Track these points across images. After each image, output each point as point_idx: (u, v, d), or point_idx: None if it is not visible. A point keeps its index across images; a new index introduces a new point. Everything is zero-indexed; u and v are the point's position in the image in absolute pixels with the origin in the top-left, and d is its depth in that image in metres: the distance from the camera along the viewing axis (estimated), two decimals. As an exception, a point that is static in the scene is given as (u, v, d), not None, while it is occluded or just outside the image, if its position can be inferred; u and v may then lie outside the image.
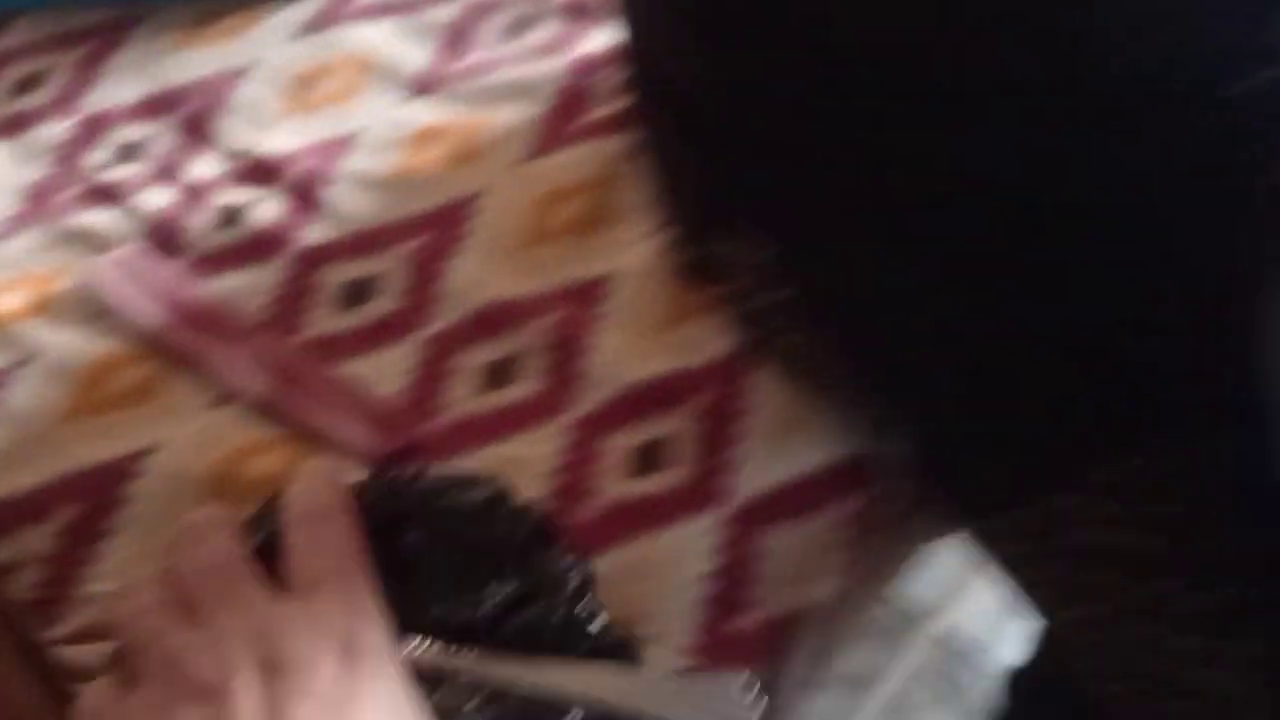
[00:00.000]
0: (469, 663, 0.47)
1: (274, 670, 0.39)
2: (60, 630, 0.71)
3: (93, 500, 0.76)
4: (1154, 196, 0.62)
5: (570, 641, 0.49)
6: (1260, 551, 0.62)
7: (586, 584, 0.51)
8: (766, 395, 0.80)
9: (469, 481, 0.52)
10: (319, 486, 0.45)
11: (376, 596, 0.44)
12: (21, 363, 0.82)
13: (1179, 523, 0.63)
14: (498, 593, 0.48)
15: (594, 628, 0.50)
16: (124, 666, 0.42)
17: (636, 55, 0.81)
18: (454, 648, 0.47)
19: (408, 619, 0.46)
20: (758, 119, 0.70)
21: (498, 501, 0.51)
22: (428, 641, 0.47)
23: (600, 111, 0.94)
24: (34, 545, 0.74)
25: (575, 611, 0.50)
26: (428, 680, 0.45)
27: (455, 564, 0.49)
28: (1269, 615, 0.64)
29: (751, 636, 0.74)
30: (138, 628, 0.42)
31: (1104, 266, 0.63)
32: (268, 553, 0.46)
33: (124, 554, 0.74)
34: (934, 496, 0.76)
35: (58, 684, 0.64)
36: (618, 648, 0.51)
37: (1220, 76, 0.58)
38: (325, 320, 0.84)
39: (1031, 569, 0.70)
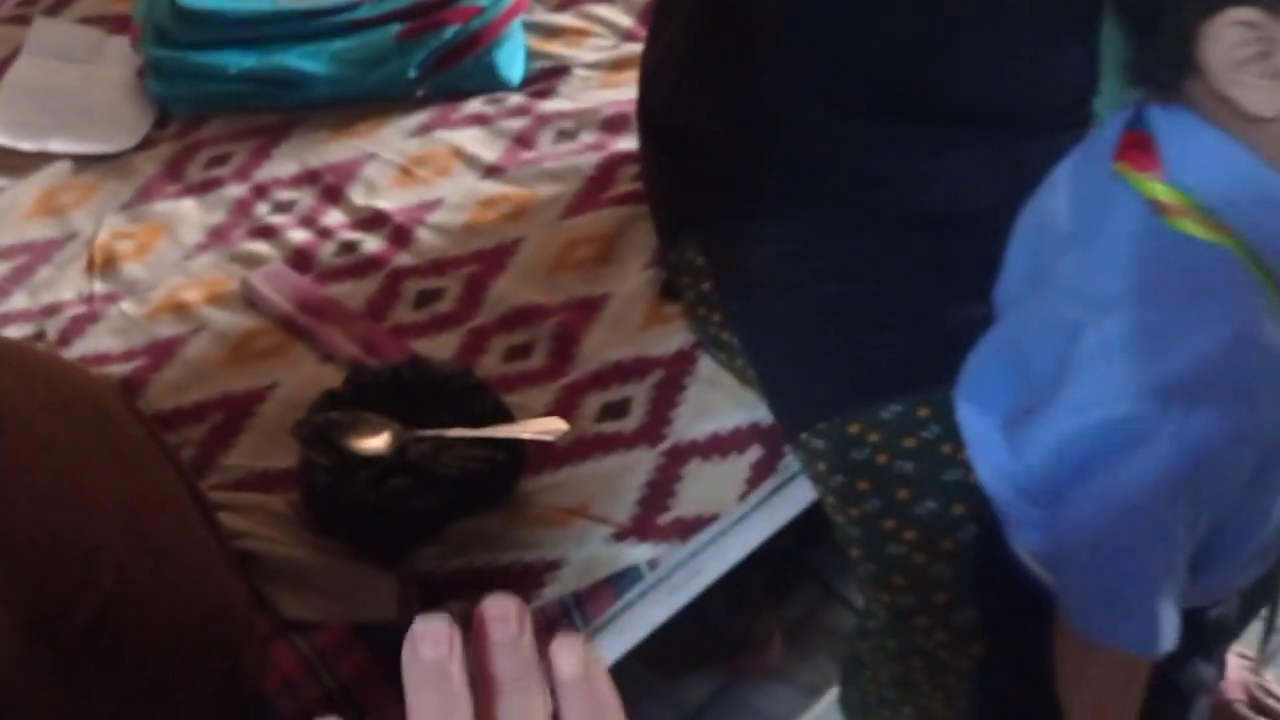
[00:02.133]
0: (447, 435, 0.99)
1: None
2: (207, 482, 1.06)
3: (233, 412, 1.11)
4: None
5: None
6: None
7: (498, 408, 1.04)
8: (701, 376, 1.12)
9: (449, 368, 1.06)
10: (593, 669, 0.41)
11: None
12: (196, 331, 1.20)
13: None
14: (455, 417, 1.01)
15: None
16: None
17: (643, 102, 1.17)
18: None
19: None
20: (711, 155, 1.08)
21: (460, 374, 1.04)
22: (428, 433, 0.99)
23: (619, 189, 1.29)
24: (194, 435, 1.10)
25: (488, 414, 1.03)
26: (428, 442, 0.99)
27: (435, 404, 1.01)
28: None
29: (666, 526, 1.04)
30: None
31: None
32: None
33: (249, 446, 1.09)
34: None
35: (208, 510, 0.97)
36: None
37: None
38: (402, 315, 1.20)
39: None
